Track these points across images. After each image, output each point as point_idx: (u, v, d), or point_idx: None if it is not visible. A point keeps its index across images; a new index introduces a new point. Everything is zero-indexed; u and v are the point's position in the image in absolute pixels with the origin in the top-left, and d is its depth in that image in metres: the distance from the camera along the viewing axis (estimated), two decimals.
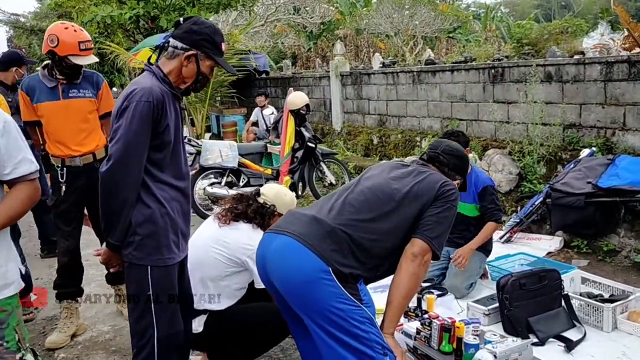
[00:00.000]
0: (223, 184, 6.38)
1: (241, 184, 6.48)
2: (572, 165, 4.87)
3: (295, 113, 6.50)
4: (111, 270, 2.40)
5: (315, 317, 2.09)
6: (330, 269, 2.06)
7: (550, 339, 3.29)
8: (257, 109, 9.25)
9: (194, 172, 6.31)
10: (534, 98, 5.75)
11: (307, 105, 6.54)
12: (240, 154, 6.45)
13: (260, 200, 2.94)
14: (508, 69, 6.47)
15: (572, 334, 3.34)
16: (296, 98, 6.52)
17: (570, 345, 3.19)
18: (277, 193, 2.97)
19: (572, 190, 4.50)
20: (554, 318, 3.43)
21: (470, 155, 6.29)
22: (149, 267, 2.22)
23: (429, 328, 2.95)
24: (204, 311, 2.85)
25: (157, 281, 2.24)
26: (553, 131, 5.73)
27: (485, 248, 4.11)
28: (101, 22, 12.07)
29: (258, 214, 2.85)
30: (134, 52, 10.23)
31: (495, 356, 2.57)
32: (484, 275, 4.24)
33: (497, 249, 4.90)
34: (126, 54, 9.56)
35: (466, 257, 3.88)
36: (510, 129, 6.40)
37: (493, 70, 6.66)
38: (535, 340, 3.28)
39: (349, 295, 2.07)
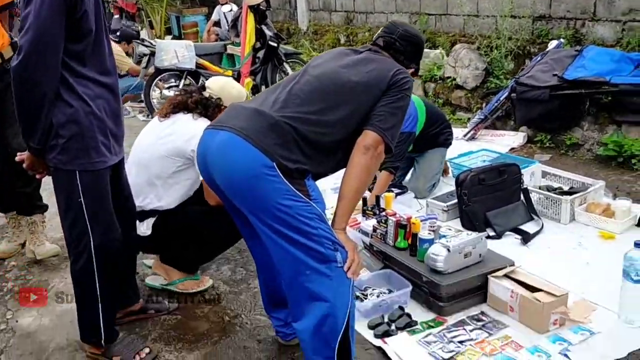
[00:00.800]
0: (180, 86, 6.08)
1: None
2: (539, 58, 4.71)
3: (255, 9, 6.13)
4: (37, 176, 2.22)
5: (261, 215, 1.97)
6: (274, 164, 1.92)
7: (507, 232, 3.29)
8: (218, 7, 8.75)
9: (147, 75, 6.02)
10: None
11: (266, 1, 6.15)
12: (197, 55, 6.12)
13: (206, 93, 2.75)
14: None
15: (530, 227, 3.35)
16: None
17: (526, 238, 3.19)
18: (223, 86, 2.77)
19: (537, 83, 4.37)
20: (512, 212, 3.42)
21: (436, 52, 6.10)
22: (76, 171, 2.06)
23: (385, 225, 2.89)
24: (153, 213, 2.74)
25: (87, 186, 2.08)
26: (522, 24, 5.52)
27: (444, 143, 3.99)
28: None
29: (200, 104, 2.68)
30: None
31: (448, 250, 2.53)
32: (445, 172, 4.19)
33: (461, 146, 4.84)
34: None
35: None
36: (479, 22, 6.15)
37: None
38: (492, 233, 3.28)
39: (296, 191, 1.95)
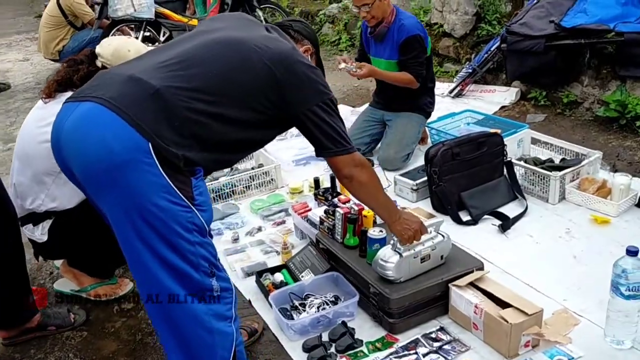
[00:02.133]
0: (140, 39, 5.50)
1: (162, 38, 5.62)
2: (534, 1, 4.08)
3: None
4: None
5: (127, 214, 1.47)
6: (150, 145, 1.42)
7: (486, 217, 2.82)
8: None
9: (102, 27, 5.43)
10: None
11: None
12: (157, 2, 5.50)
13: (98, 63, 2.23)
14: None
15: (513, 208, 2.88)
16: None
17: (505, 225, 2.72)
18: (116, 49, 2.23)
19: (531, 32, 3.77)
20: (492, 190, 2.94)
21: None
22: None
23: (332, 217, 2.42)
24: (48, 215, 2.28)
25: None
26: None
27: (424, 110, 3.49)
28: None
29: (89, 79, 2.17)
30: None
31: (400, 254, 2.06)
32: (423, 140, 3.68)
33: (446, 105, 4.31)
34: None
35: (365, 70, 3.22)
36: None
37: None
38: (468, 218, 2.81)
39: (175, 190, 1.46)
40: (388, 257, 2.08)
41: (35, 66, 6.66)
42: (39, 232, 2.29)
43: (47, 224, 2.28)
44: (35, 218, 2.28)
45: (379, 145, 3.54)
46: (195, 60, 1.59)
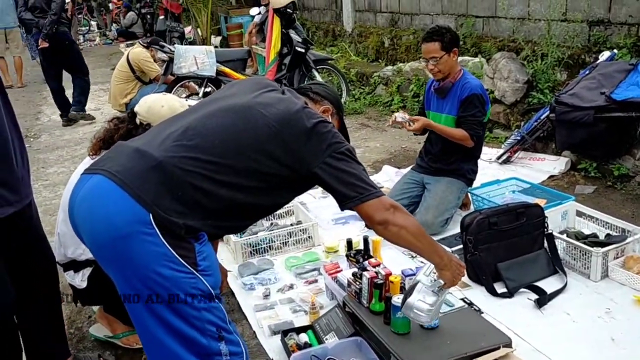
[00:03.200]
0: (201, 95, 5.80)
1: None
2: (586, 72, 4.03)
3: (281, 13, 5.73)
4: None
5: (132, 284, 1.56)
6: (150, 217, 1.50)
7: (522, 290, 2.73)
8: (261, 8, 8.42)
9: (167, 82, 5.76)
10: None
11: (293, 3, 5.75)
12: (219, 61, 5.81)
13: (137, 120, 2.38)
14: None
15: (551, 283, 2.78)
16: None
17: (542, 300, 2.63)
18: (150, 107, 2.37)
19: (580, 103, 3.72)
20: (530, 263, 2.85)
21: (475, 60, 5.48)
22: None
23: (360, 281, 2.42)
24: (88, 263, 2.40)
25: None
26: (576, 29, 4.82)
27: (465, 176, 3.47)
28: None
29: (129, 137, 2.30)
30: None
31: (438, 296, 1.98)
32: (464, 206, 3.64)
33: (493, 171, 4.27)
34: None
35: (419, 123, 3.32)
36: (530, 27, 5.48)
37: None
38: (503, 290, 2.74)
39: (178, 258, 1.52)
40: (425, 298, 1.99)
41: (105, 116, 7.08)
42: (79, 279, 2.40)
43: (87, 271, 2.40)
44: (76, 265, 2.40)
45: (417, 209, 3.53)
46: (200, 129, 1.65)
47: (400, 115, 3.34)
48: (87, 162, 2.39)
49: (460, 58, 5.64)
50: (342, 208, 1.75)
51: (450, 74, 3.33)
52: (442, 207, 3.36)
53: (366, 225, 3.35)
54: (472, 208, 3.62)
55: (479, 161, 4.39)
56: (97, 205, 1.55)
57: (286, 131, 1.67)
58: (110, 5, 18.21)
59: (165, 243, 1.50)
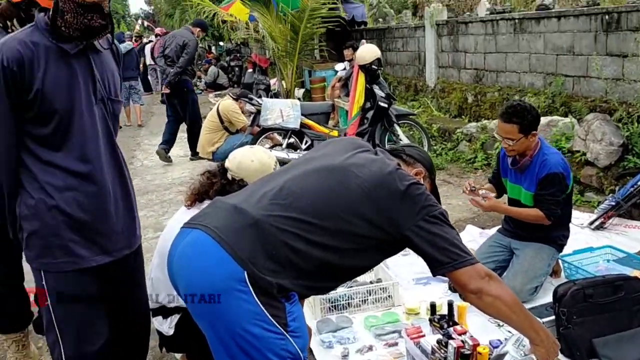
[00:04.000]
0: (284, 146, 5.95)
1: (304, 146, 6.01)
2: None
3: (366, 69, 5.84)
4: None
5: (223, 340, 1.58)
6: (245, 274, 1.52)
7: None
8: (345, 64, 8.63)
9: (253, 133, 5.96)
10: None
11: (378, 60, 5.85)
12: (303, 114, 5.96)
13: (229, 175, 2.45)
14: (625, 15, 5.28)
15: None
16: (365, 52, 5.84)
17: None
18: (240, 162, 2.43)
19: None
20: (629, 341, 2.64)
21: (566, 120, 5.30)
22: (41, 271, 1.83)
23: (444, 349, 2.33)
24: (177, 310, 2.46)
25: (53, 289, 1.84)
26: None
27: (556, 242, 3.30)
28: None
29: (223, 192, 2.36)
30: (225, 4, 9.99)
31: None
32: (555, 273, 3.45)
33: (585, 237, 4.05)
34: (212, 6, 9.27)
35: (488, 204, 3.24)
36: (624, 88, 5.27)
37: (607, 17, 5.49)
38: None
39: (269, 317, 1.53)
40: None
41: (193, 163, 7.41)
42: (167, 326, 2.46)
43: (175, 318, 2.45)
44: (165, 311, 2.46)
45: (504, 274, 3.37)
46: (294, 189, 1.68)
47: (470, 186, 3.25)
48: (183, 211, 2.48)
49: (549, 118, 5.52)
50: (434, 274, 1.72)
51: (526, 151, 3.15)
52: (531, 274, 3.20)
53: (450, 288, 3.27)
54: (562, 276, 3.43)
55: (571, 226, 4.19)
56: (195, 259, 1.60)
57: (379, 193, 1.67)
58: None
59: (258, 301, 1.52)
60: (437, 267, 1.68)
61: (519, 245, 3.33)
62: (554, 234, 3.27)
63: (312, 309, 3.19)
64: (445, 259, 1.65)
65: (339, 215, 1.64)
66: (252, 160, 2.45)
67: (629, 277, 2.75)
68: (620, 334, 2.64)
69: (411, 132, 6.69)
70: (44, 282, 1.83)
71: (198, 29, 7.41)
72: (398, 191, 1.67)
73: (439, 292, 3.32)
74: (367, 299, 3.23)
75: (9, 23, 2.32)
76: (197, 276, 1.59)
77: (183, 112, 7.45)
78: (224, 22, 9.30)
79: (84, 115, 1.81)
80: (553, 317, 2.76)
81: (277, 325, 1.54)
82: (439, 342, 2.38)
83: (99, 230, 1.90)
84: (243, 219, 1.61)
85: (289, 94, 10.00)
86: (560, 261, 3.44)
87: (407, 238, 1.68)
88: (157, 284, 2.43)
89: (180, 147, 8.47)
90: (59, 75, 1.74)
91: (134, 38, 15.59)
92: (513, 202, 3.36)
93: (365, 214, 1.65)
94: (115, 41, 1.98)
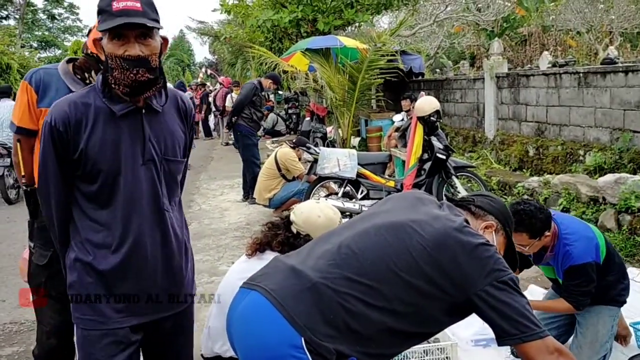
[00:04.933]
0: (340, 195, 5.94)
1: (359, 195, 5.98)
2: None
3: (425, 120, 5.82)
4: None
5: None
6: (302, 341, 1.48)
7: None
8: (403, 114, 8.65)
9: (309, 181, 6.00)
10: None
11: (437, 112, 5.82)
12: (360, 164, 5.95)
13: (294, 229, 2.44)
14: None
15: None
16: (424, 103, 5.83)
17: None
18: (307, 217, 2.42)
19: None
20: None
21: (636, 178, 5.06)
22: (74, 323, 1.85)
23: None
24: None
25: (81, 344, 1.82)
26: None
27: (616, 299, 3.05)
28: (263, 26, 12.49)
29: (287, 245, 2.35)
30: (286, 56, 10.29)
31: None
32: (623, 338, 3.22)
33: None
34: (274, 57, 9.57)
35: None
36: None
37: None
38: None
39: None
40: None
41: (249, 208, 7.49)
42: None
43: None
44: None
45: (569, 340, 3.16)
46: (353, 248, 1.63)
47: None
48: (244, 260, 2.48)
49: (617, 175, 5.30)
50: (500, 344, 1.63)
51: (546, 247, 2.93)
52: (596, 345, 2.98)
53: (512, 353, 3.09)
54: (634, 342, 3.19)
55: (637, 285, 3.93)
56: (252, 323, 1.59)
57: (443, 253, 1.60)
58: None
59: None
60: (504, 338, 1.59)
61: (579, 313, 3.11)
62: (612, 292, 3.04)
63: None
64: (513, 330, 1.56)
65: (398, 275, 1.58)
66: (318, 215, 2.45)
67: None
68: None
69: (469, 185, 6.56)
70: (75, 335, 1.84)
71: (270, 81, 7.77)
72: (464, 252, 1.60)
73: (499, 355, 3.16)
74: (424, 359, 3.10)
75: (86, 75, 2.33)
76: (254, 341, 1.57)
77: (242, 155, 7.73)
78: (285, 72, 9.52)
79: (128, 176, 1.80)
80: None
81: None
82: None
83: (130, 291, 1.85)
84: (301, 281, 1.58)
85: (345, 143, 10.07)
86: (631, 328, 3.21)
87: (473, 303, 1.59)
88: (215, 332, 2.43)
89: (237, 191, 8.60)
90: (106, 136, 1.76)
91: (197, 86, 16.26)
92: (552, 280, 3.20)
93: (427, 274, 1.58)
94: (186, 99, 1.99)
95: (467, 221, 1.74)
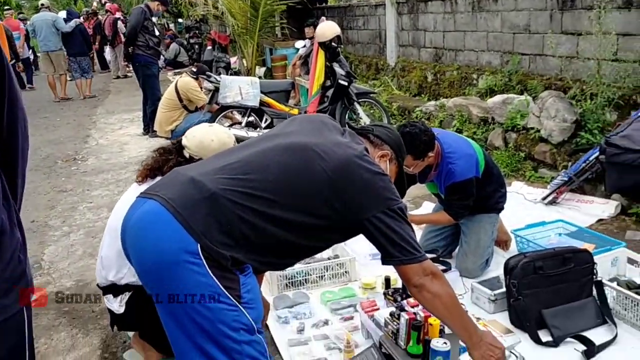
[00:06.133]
0: (244, 124, 5.88)
1: (264, 125, 5.95)
2: (639, 114, 3.90)
3: (326, 46, 5.79)
4: None
5: (174, 312, 1.56)
6: (198, 247, 1.50)
7: (568, 339, 2.60)
8: (306, 41, 8.55)
9: (211, 111, 5.87)
10: (606, 28, 4.68)
11: (338, 37, 5.80)
12: (263, 92, 5.89)
13: (186, 153, 2.40)
14: None
15: (600, 334, 2.63)
16: (325, 29, 5.79)
17: (589, 351, 2.49)
18: (200, 142, 2.38)
19: (632, 145, 3.58)
20: (578, 311, 2.72)
21: (521, 98, 5.38)
22: None
23: (397, 321, 2.35)
24: (127, 288, 2.41)
25: None
26: (628, 69, 4.69)
27: (496, 207, 3.32)
28: None
29: None
30: None
31: None
32: (505, 244, 3.53)
33: (538, 212, 4.14)
34: None
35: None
36: (578, 65, 5.37)
37: None
38: (548, 338, 2.61)
39: (222, 289, 1.52)
40: None
41: (150, 141, 7.25)
42: (117, 304, 2.41)
43: (125, 296, 2.41)
44: (115, 289, 2.41)
45: (456, 249, 3.41)
46: (256, 165, 1.66)
47: None
48: (134, 187, 2.42)
49: (505, 96, 5.60)
50: (384, 263, 1.77)
51: (429, 166, 3.12)
52: (479, 251, 3.24)
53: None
54: (514, 248, 3.50)
55: (525, 202, 4.28)
56: (148, 230, 1.57)
57: (342, 178, 1.66)
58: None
59: (211, 274, 1.50)
60: (387, 258, 1.73)
61: (463, 220, 3.34)
62: (491, 201, 3.30)
63: (269, 286, 3.18)
64: (397, 253, 1.70)
65: (299, 195, 1.63)
66: (212, 139, 2.40)
67: (579, 250, 2.83)
68: (569, 305, 2.71)
69: (372, 111, 6.70)
70: None
71: (157, 3, 7.26)
72: (361, 180, 1.68)
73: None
74: (324, 275, 3.24)
75: None
76: (149, 247, 1.56)
77: (142, 88, 7.36)
78: None
79: None
80: (504, 290, 2.82)
81: (230, 297, 1.53)
82: (391, 314, 2.40)
83: None
84: (199, 191, 1.58)
85: (249, 73, 9.87)
86: (512, 235, 3.51)
87: (364, 227, 1.70)
88: (107, 262, 2.38)
89: (138, 125, 8.28)
90: None
91: (89, 15, 15.14)
92: (436, 195, 3.45)
93: (325, 197, 1.65)
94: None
95: (366, 149, 1.83)
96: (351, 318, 2.86)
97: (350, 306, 2.94)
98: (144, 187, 2.34)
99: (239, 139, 5.57)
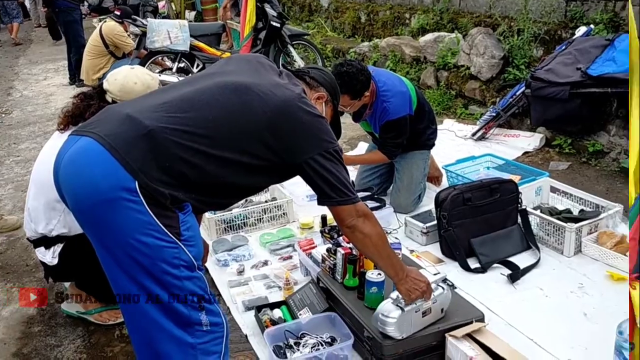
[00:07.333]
0: (174, 70, 5.69)
1: (195, 70, 5.78)
2: (562, 48, 4.03)
3: None
4: None
5: (113, 251, 1.53)
6: (136, 184, 1.46)
7: (495, 265, 2.75)
8: None
9: (139, 57, 5.63)
10: None
11: None
12: (193, 36, 5.68)
13: (108, 98, 2.31)
14: None
15: (525, 258, 2.80)
16: None
17: (514, 275, 2.64)
18: (123, 85, 2.29)
19: (556, 78, 3.72)
20: (504, 239, 2.87)
21: (452, 36, 5.43)
22: None
23: (334, 256, 2.41)
24: (59, 239, 2.34)
25: None
26: (553, 4, 4.80)
27: (427, 143, 3.40)
28: None
29: None
30: None
31: (402, 309, 2.00)
32: (436, 180, 3.64)
33: (468, 148, 4.28)
34: None
35: None
36: (507, 2, 5.44)
37: None
38: (477, 265, 2.75)
39: (161, 226, 1.50)
40: (389, 312, 2.00)
41: (77, 91, 6.90)
42: (50, 256, 2.35)
43: (57, 247, 2.35)
44: (46, 242, 2.34)
45: (391, 187, 3.49)
46: (194, 103, 1.61)
47: None
48: (57, 136, 2.32)
49: (437, 34, 5.63)
50: (319, 204, 1.79)
51: (366, 105, 3.12)
52: (412, 187, 3.33)
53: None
54: (446, 183, 3.62)
55: (456, 138, 4.40)
56: (82, 167, 1.51)
57: (280, 120, 1.65)
58: None
59: (150, 211, 1.47)
60: (323, 199, 1.75)
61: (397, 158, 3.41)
62: (422, 137, 3.37)
63: (207, 231, 3.17)
64: (332, 194, 1.72)
65: (238, 134, 1.61)
66: (135, 82, 2.31)
67: (505, 180, 2.95)
68: (497, 233, 2.86)
69: (306, 53, 6.61)
70: None
71: None
72: (299, 122, 1.67)
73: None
74: (263, 218, 3.26)
75: None
76: (84, 185, 1.50)
77: (65, 35, 6.94)
78: None
79: None
80: (435, 222, 2.93)
81: (170, 235, 1.51)
82: (328, 250, 2.46)
83: None
84: (136, 128, 1.52)
85: (179, 17, 9.49)
86: (442, 170, 3.62)
87: (301, 168, 1.70)
88: (35, 213, 2.30)
89: (63, 74, 7.88)
90: None
91: None
92: (370, 134, 3.50)
93: (264, 137, 1.64)
94: None
95: (304, 91, 1.81)
96: (290, 257, 2.91)
97: (289, 246, 2.98)
98: (67, 134, 2.26)
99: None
